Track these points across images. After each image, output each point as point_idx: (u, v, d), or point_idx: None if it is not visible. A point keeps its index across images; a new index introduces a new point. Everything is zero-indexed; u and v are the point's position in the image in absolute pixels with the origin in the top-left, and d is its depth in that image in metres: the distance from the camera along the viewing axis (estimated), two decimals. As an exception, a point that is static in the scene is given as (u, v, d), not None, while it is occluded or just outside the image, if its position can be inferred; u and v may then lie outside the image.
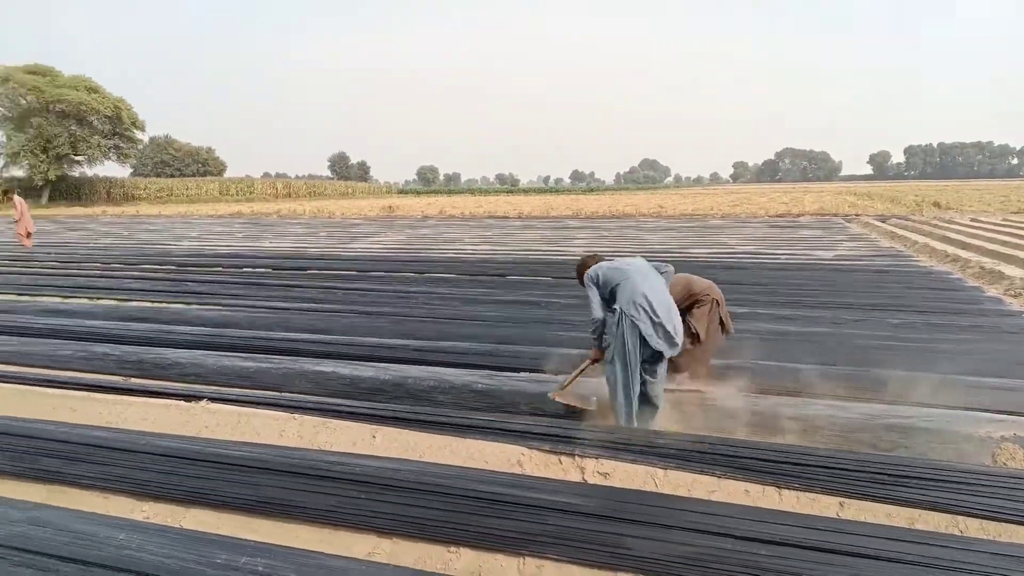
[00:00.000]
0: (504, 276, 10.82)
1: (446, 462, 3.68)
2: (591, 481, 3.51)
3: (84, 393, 4.84)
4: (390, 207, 39.24)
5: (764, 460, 3.45)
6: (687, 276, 4.91)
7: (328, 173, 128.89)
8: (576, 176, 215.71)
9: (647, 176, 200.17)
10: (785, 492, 3.26)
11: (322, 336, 6.52)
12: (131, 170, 70.48)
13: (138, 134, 56.29)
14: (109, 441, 3.84)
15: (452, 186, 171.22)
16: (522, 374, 5.20)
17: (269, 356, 5.81)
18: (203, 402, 4.48)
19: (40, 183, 50.56)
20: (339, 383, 5.05)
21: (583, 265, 4.39)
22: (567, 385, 4.36)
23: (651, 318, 3.89)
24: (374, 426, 4.13)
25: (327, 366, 5.43)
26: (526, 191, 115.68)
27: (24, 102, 49.16)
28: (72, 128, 50.19)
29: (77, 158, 52.42)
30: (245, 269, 12.40)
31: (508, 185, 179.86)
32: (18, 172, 51.31)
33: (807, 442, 3.89)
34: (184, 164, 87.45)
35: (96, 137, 51.61)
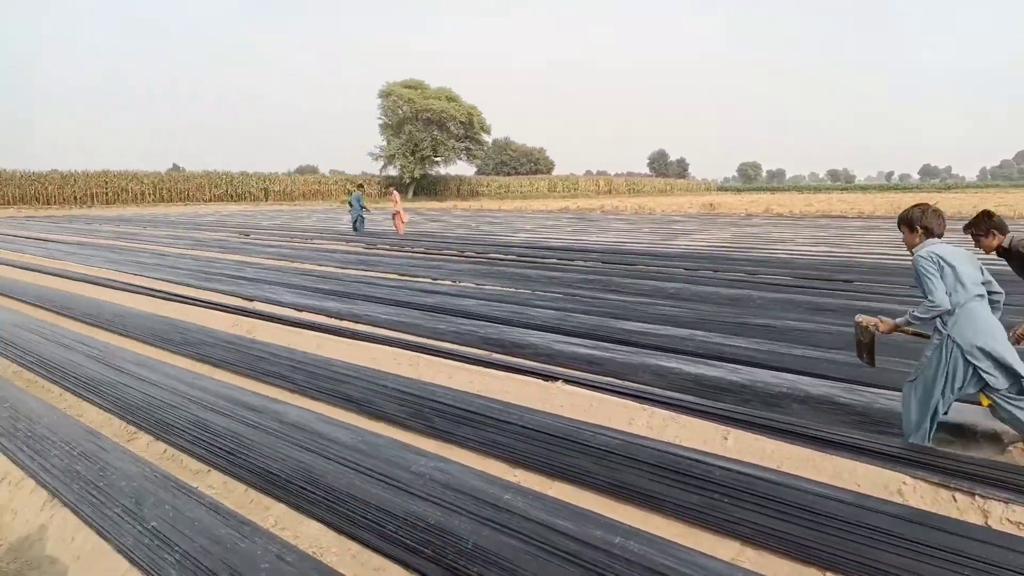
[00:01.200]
0: (850, 282, 9.78)
1: (807, 476, 3.40)
2: (998, 528, 2.94)
3: (457, 363, 5.51)
4: (711, 204, 38.30)
5: None
6: None
7: (647, 171, 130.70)
8: (927, 171, 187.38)
9: (1023, 171, 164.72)
10: None
11: (657, 328, 6.56)
12: (475, 169, 79.82)
13: (484, 137, 63.43)
14: (484, 409, 4.31)
15: (776, 183, 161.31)
16: (892, 393, 4.60)
17: (610, 345, 6.01)
18: (559, 383, 4.79)
19: (408, 181, 59.86)
20: (682, 379, 5.00)
21: (911, 218, 3.71)
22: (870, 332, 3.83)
23: (996, 361, 3.38)
24: (724, 427, 4.00)
25: (670, 361, 5.43)
26: (864, 188, 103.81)
27: (400, 112, 58.57)
28: (434, 133, 58.39)
29: (436, 159, 60.88)
30: (577, 262, 13.10)
31: (842, 182, 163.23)
32: (392, 172, 61.43)
33: None
34: (519, 163, 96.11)
35: (452, 140, 59.37)
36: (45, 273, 11.82)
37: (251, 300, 8.85)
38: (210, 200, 53.89)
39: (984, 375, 3.38)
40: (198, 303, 8.54)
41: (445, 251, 15.35)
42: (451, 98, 58.69)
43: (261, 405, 4.51)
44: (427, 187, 63.90)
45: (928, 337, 3.66)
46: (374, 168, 62.65)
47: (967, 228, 4.20)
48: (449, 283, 10.31)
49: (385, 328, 7.07)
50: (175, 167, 62.31)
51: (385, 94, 58.39)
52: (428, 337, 6.56)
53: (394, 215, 20.76)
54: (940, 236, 3.67)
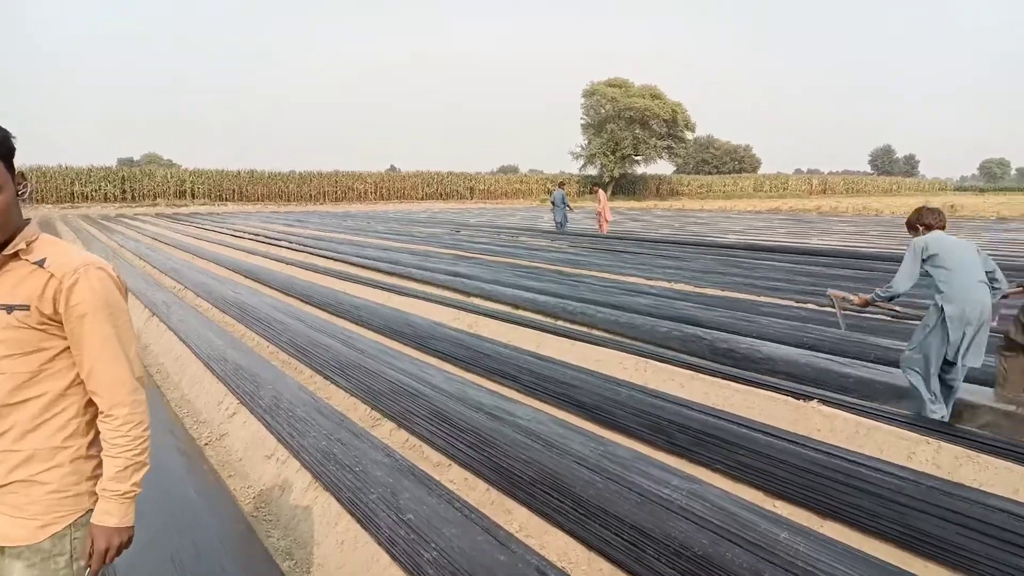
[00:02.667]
0: None
1: None
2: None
3: (689, 372, 5.15)
4: (951, 206, 33.76)
5: None
6: None
7: (867, 168, 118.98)
8: None
9: None
10: None
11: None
12: (674, 168, 77.69)
13: (688, 135, 61.48)
14: (729, 427, 3.94)
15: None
16: None
17: (870, 364, 5.29)
18: (813, 402, 4.27)
19: (607, 180, 59.74)
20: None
21: (909, 222, 4.41)
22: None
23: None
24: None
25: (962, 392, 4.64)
26: None
27: (603, 111, 58.55)
28: (636, 131, 57.65)
29: (637, 158, 60.08)
30: (803, 265, 12.03)
31: None
32: (592, 171, 61.64)
33: None
34: (722, 162, 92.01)
35: (654, 139, 58.24)
36: (290, 264, 13.19)
37: (468, 295, 9.13)
38: (423, 198, 57.75)
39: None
40: (420, 296, 8.96)
41: (651, 251, 14.90)
42: (655, 96, 57.54)
43: (492, 403, 4.50)
44: (626, 186, 63.29)
45: (900, 317, 4.47)
46: (572, 167, 63.33)
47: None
48: (665, 284, 9.92)
49: (602, 330, 6.89)
50: (392, 168, 67.53)
51: (589, 93, 58.77)
52: (649, 342, 6.26)
53: (598, 214, 20.65)
54: (942, 228, 4.26)
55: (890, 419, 3.92)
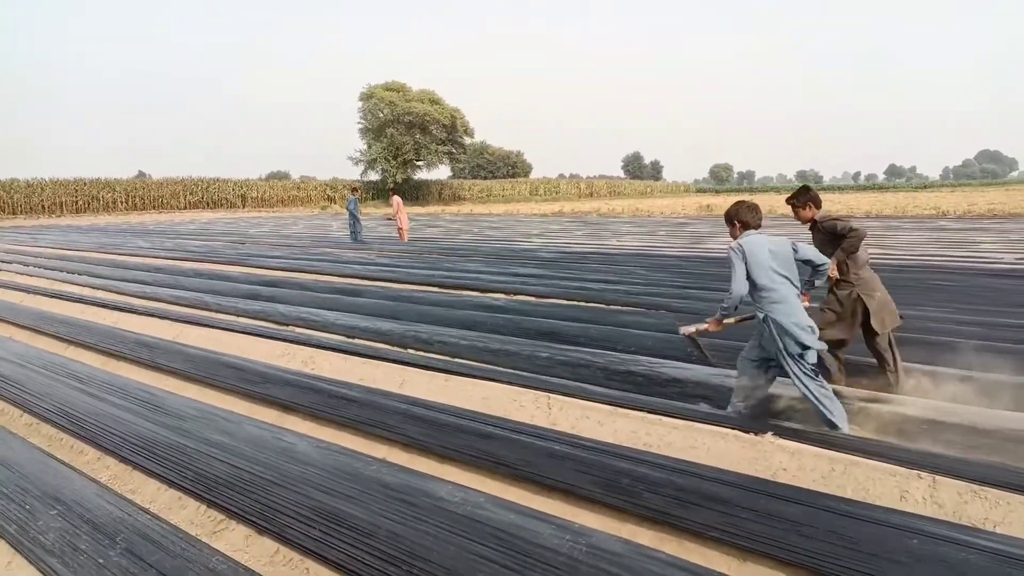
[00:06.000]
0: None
1: None
2: None
3: (605, 407, 4.42)
4: (707, 206, 37.66)
5: None
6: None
7: (620, 173, 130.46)
8: (893, 171, 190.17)
9: (985, 170, 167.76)
10: None
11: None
12: (450, 173, 78.46)
13: (467, 140, 62.19)
14: (708, 490, 3.24)
15: (746, 184, 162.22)
16: None
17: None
18: (768, 435, 3.74)
19: (391, 185, 58.37)
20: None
21: (729, 214, 4.31)
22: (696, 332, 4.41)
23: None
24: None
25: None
26: (834, 188, 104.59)
27: (382, 115, 57.05)
28: (416, 136, 56.98)
29: (419, 163, 59.43)
30: (632, 268, 12.07)
31: (810, 182, 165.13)
32: (374, 176, 59.86)
33: None
34: (496, 167, 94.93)
35: (434, 144, 57.99)
36: (32, 293, 10.44)
37: (285, 324, 7.66)
38: (185, 208, 51.84)
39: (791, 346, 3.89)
40: (223, 327, 7.33)
41: (474, 259, 14.21)
42: (434, 100, 57.27)
43: (396, 480, 3.39)
44: (409, 191, 62.34)
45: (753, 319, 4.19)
46: (347, 173, 60.97)
47: (788, 200, 4.90)
48: (506, 296, 9.22)
49: (470, 358, 5.97)
50: (141, 174, 59.94)
51: (366, 96, 56.79)
52: (534, 371, 5.47)
53: (393, 218, 19.59)
54: (757, 227, 4.20)
55: (869, 452, 3.48)
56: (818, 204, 4.73)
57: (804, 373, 3.87)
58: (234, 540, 3.13)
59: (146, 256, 16.37)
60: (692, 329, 4.43)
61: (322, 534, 2.91)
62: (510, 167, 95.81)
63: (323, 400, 4.82)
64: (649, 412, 4.19)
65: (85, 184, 47.90)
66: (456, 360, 5.91)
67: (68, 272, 12.97)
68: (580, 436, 3.99)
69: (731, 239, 4.24)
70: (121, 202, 49.09)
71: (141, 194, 50.55)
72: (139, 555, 2.74)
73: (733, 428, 3.87)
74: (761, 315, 4.01)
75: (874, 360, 4.72)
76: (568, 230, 24.43)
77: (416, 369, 5.57)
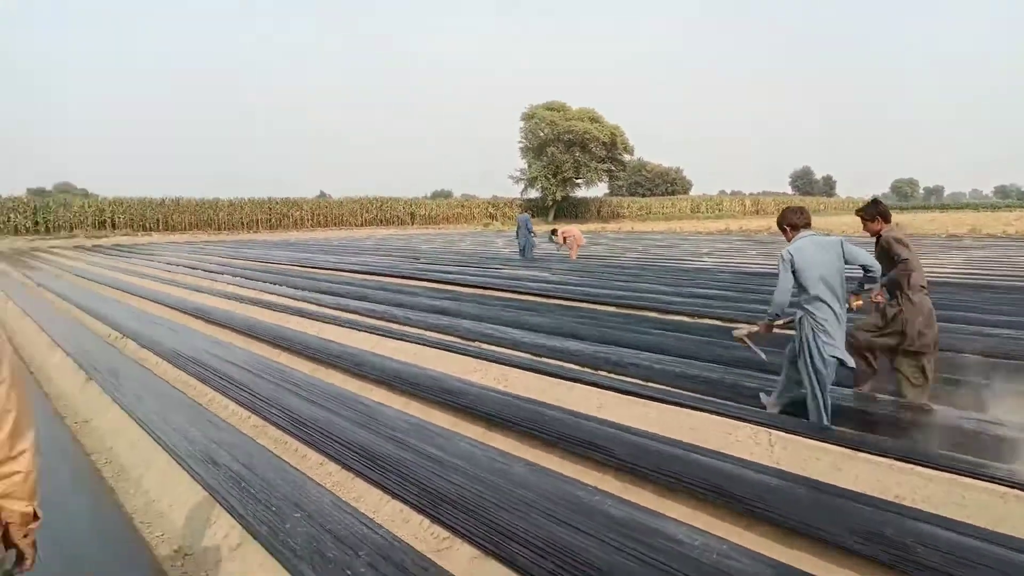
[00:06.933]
0: None
1: None
2: None
3: (839, 449, 3.99)
4: (897, 224, 34.37)
5: None
6: None
7: (788, 190, 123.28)
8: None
9: None
10: None
11: None
12: (607, 191, 78.05)
13: (626, 157, 61.72)
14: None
15: (934, 200, 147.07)
16: None
17: None
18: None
19: (549, 203, 59.21)
20: None
21: (781, 220, 4.68)
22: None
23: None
24: None
25: None
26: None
27: (542, 134, 58.06)
28: (576, 155, 57.36)
29: (578, 181, 59.76)
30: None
31: (1013, 199, 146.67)
32: (534, 194, 61.01)
33: None
34: (655, 184, 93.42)
35: (594, 162, 58.09)
36: (245, 302, 11.50)
37: (472, 340, 7.79)
38: (362, 224, 55.69)
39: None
40: (413, 340, 7.58)
41: (646, 278, 13.87)
42: (594, 119, 57.44)
43: (683, 535, 3.22)
44: (567, 209, 62.89)
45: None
46: (507, 191, 62.63)
47: (858, 212, 5.13)
48: (690, 320, 8.82)
49: (663, 383, 5.69)
50: (322, 194, 65.13)
51: (528, 117, 58.18)
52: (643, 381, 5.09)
53: (565, 237, 19.67)
54: (807, 226, 4.54)
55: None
56: (887, 218, 5.00)
57: (815, 373, 4.28)
58: (459, 560, 3.10)
59: (334, 270, 17.61)
60: (744, 332, 4.98)
61: (556, 567, 2.79)
62: (669, 184, 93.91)
63: (525, 419, 4.76)
64: (897, 459, 3.71)
65: (277, 203, 52.93)
66: (651, 385, 5.66)
67: (270, 283, 14.20)
68: (813, 479, 3.60)
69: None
70: (307, 219, 53.68)
71: (324, 212, 54.99)
72: (380, 571, 2.77)
73: (1014, 487, 3.31)
74: (800, 313, 4.41)
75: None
76: (739, 248, 23.30)
77: (612, 393, 5.40)
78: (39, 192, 61.64)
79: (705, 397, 5.18)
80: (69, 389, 6.49)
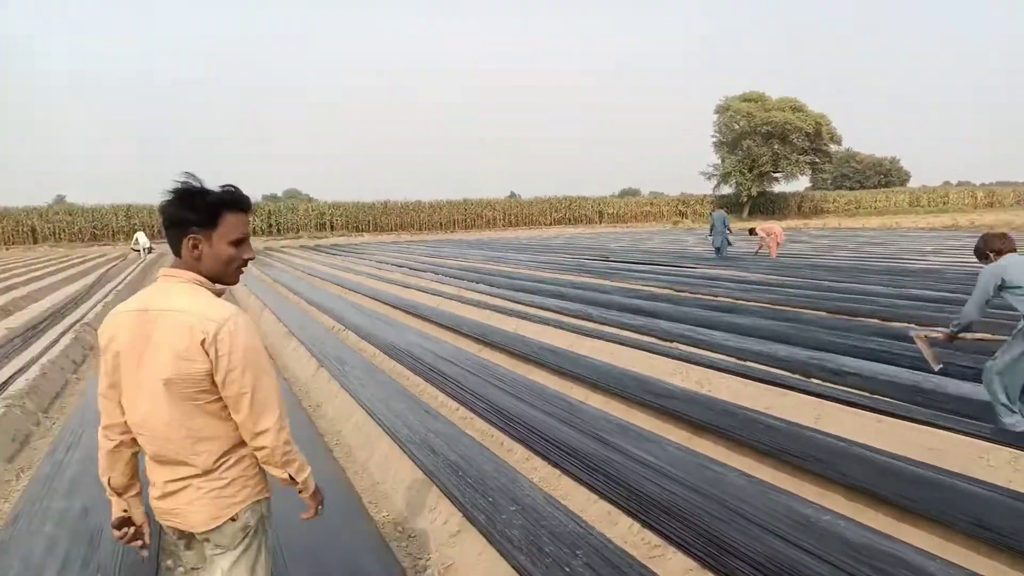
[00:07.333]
0: None
1: None
2: None
3: None
4: None
5: None
6: None
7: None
8: None
9: None
10: None
11: None
12: (809, 184, 72.41)
13: (832, 148, 56.98)
14: None
15: None
16: None
17: None
18: None
19: (744, 199, 56.32)
20: None
21: (977, 251, 4.61)
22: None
23: None
24: None
25: None
26: None
27: (737, 127, 55.32)
28: (775, 147, 53.98)
29: (776, 175, 56.22)
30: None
31: None
32: (727, 190, 58.38)
33: None
34: (865, 176, 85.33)
35: (795, 154, 54.30)
36: (448, 298, 12.16)
37: (670, 341, 7.57)
38: (550, 224, 56.81)
39: None
40: (609, 339, 7.52)
41: (861, 279, 12.68)
42: (796, 108, 53.56)
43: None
44: (763, 205, 59.40)
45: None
46: (697, 188, 60.29)
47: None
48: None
49: (889, 395, 5.12)
50: (512, 194, 67.15)
51: (722, 109, 55.68)
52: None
53: (765, 236, 18.56)
54: (1012, 250, 4.42)
55: None
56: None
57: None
58: (674, 570, 3.01)
59: (527, 268, 18.10)
60: (923, 333, 5.07)
61: None
62: (882, 175, 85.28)
63: (734, 425, 4.54)
64: None
65: (472, 204, 55.65)
66: (876, 396, 5.14)
67: (468, 281, 14.92)
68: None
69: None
70: (499, 219, 55.85)
71: (515, 212, 56.84)
72: (597, 571, 2.76)
73: None
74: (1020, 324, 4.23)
75: None
76: (972, 246, 20.51)
77: (831, 403, 4.99)
78: (271, 198, 70.03)
79: (945, 414, 4.60)
80: (303, 375, 7.27)
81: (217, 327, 1.76)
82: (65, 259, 30.50)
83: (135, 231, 38.17)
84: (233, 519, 1.89)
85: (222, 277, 1.90)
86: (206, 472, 1.85)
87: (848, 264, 15.99)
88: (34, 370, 6.99)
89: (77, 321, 10.69)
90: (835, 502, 3.52)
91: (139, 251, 31.85)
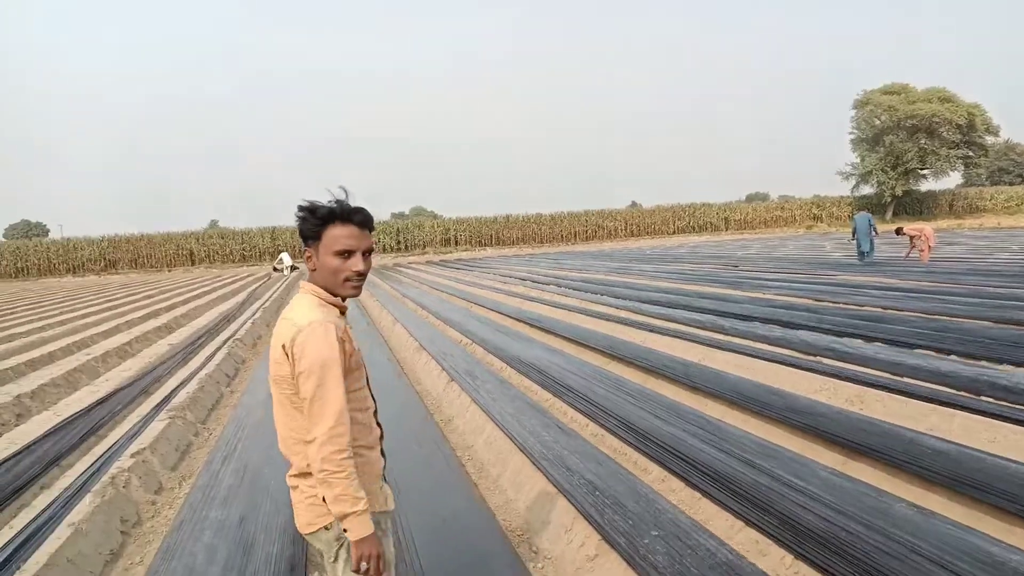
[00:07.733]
0: None
1: None
2: None
3: None
4: None
5: None
6: None
7: None
8: None
9: None
10: None
11: None
12: (960, 181, 66.19)
13: (989, 140, 51.89)
14: None
15: None
16: None
17: None
18: None
19: (887, 199, 52.40)
20: None
21: None
22: None
23: None
24: None
25: None
26: None
27: (878, 122, 51.62)
28: (922, 142, 49.90)
29: (923, 171, 51.93)
30: None
31: None
32: (867, 190, 54.53)
33: None
34: (1029, 169, 76.94)
35: (944, 148, 49.94)
36: (572, 311, 12.09)
37: (812, 355, 7.07)
38: (673, 232, 55.50)
39: None
40: (752, 355, 7.14)
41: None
42: (945, 98, 49.20)
43: None
44: (909, 205, 54.97)
45: None
46: (832, 189, 56.57)
47: None
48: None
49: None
50: (633, 204, 66.14)
51: (861, 104, 52.01)
52: None
53: (917, 239, 17.11)
54: None
55: None
56: None
57: None
58: None
59: (652, 279, 17.69)
60: None
61: None
62: (1049, 167, 76.58)
63: (894, 449, 4.14)
64: None
65: (593, 215, 55.48)
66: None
67: (591, 293, 14.77)
68: None
69: None
70: (620, 230, 55.27)
71: (637, 222, 56.07)
72: (750, 605, 2.57)
73: None
74: None
75: None
76: None
77: (1006, 424, 4.46)
78: (399, 216, 73.23)
79: None
80: (434, 389, 7.43)
81: (296, 332, 1.84)
82: (218, 279, 33.31)
83: (279, 251, 41.15)
84: (327, 528, 1.91)
85: (334, 288, 1.94)
86: (305, 475, 1.91)
87: (1013, 268, 14.41)
88: (193, 384, 7.58)
89: (230, 337, 11.55)
90: (1024, 540, 3.10)
91: (282, 270, 34.25)
